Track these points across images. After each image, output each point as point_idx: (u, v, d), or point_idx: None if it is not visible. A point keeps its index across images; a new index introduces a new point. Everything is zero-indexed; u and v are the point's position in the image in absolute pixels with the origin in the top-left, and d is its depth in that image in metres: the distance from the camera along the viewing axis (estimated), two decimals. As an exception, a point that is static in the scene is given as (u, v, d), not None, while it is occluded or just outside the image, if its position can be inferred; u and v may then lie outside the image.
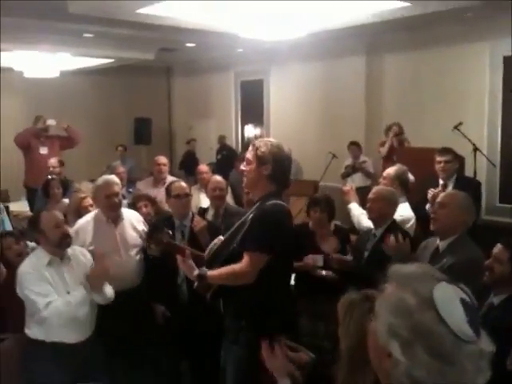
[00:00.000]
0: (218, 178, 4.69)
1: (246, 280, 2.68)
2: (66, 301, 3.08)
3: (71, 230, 3.69)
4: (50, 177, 6.13)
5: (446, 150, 4.95)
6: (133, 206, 4.60)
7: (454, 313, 1.05)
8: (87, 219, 3.82)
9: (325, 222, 3.96)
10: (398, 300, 1.10)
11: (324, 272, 3.70)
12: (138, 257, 3.78)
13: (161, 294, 3.76)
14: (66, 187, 5.88)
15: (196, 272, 2.76)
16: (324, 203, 3.94)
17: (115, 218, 3.77)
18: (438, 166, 4.87)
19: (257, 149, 2.79)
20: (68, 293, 3.12)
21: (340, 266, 3.61)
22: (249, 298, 2.72)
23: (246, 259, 2.65)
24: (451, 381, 1.05)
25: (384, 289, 1.17)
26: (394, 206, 3.69)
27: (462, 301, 1.08)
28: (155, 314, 3.80)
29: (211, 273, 2.71)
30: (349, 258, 3.72)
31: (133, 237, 3.81)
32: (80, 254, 3.36)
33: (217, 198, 4.46)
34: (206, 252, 2.88)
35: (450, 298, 1.08)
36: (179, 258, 2.85)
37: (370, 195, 3.70)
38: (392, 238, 3.16)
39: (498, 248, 2.66)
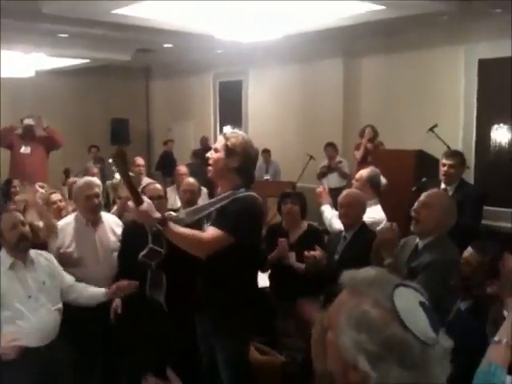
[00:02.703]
0: (191, 180, 4.64)
1: (201, 251, 2.64)
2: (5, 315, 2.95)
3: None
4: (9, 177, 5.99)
5: (453, 154, 4.71)
6: None
7: (417, 319, 1.04)
8: (68, 220, 3.76)
9: (297, 216, 3.90)
10: (359, 313, 1.06)
11: (295, 264, 3.69)
12: (115, 261, 3.71)
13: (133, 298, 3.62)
14: None
15: (158, 214, 2.57)
16: (294, 196, 3.95)
17: (95, 221, 3.72)
18: (442, 169, 4.64)
19: (227, 139, 2.76)
20: (29, 297, 3.03)
21: (312, 265, 3.57)
22: (229, 294, 2.72)
23: (211, 232, 2.62)
24: None
25: (339, 297, 1.12)
26: (363, 210, 3.71)
27: (421, 304, 1.07)
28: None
29: (175, 226, 2.58)
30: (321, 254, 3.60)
31: (111, 241, 3.75)
32: (45, 258, 3.27)
33: (187, 201, 4.41)
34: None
35: (411, 305, 1.06)
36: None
37: (341, 199, 3.70)
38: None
39: (468, 252, 2.64)
